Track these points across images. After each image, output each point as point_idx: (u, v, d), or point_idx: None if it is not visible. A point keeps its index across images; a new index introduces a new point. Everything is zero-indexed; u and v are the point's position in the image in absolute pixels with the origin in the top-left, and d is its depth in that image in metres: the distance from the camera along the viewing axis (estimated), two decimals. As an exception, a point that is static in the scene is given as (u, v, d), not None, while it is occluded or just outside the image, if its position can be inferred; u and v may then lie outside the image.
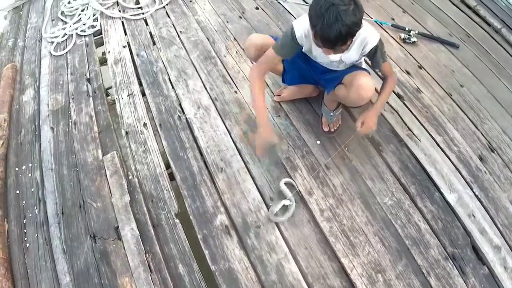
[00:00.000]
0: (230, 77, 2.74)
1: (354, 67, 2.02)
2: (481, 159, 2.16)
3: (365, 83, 1.89)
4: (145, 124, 2.58)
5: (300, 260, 1.89)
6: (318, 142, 2.28)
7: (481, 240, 1.87)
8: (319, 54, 1.96)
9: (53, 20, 3.70)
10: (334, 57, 1.91)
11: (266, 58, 1.99)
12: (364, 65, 2.13)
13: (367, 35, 1.79)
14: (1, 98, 3.02)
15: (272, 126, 2.09)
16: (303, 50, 2.01)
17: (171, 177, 2.32)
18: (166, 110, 2.64)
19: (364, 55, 1.93)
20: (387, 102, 2.41)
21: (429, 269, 1.81)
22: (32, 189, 2.46)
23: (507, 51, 2.73)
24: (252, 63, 2.43)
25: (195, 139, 2.43)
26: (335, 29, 1.50)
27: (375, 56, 1.88)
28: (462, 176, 2.09)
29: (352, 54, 1.88)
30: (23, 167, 2.60)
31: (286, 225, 2.00)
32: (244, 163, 2.26)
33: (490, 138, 2.25)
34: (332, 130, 2.28)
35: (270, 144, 2.01)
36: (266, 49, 1.98)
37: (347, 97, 1.99)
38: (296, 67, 2.17)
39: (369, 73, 2.02)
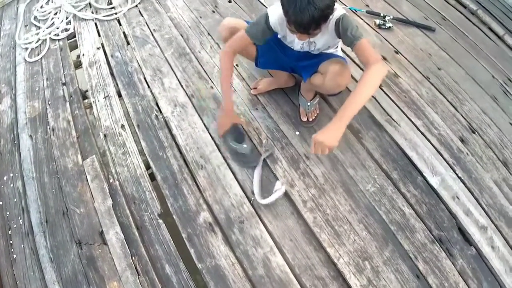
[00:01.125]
0: (206, 72, 2.71)
1: (330, 55, 2.00)
2: (462, 140, 2.17)
3: (341, 70, 1.88)
4: (123, 126, 2.55)
5: (286, 252, 1.89)
6: (297, 133, 2.27)
7: (466, 221, 1.88)
8: (293, 40, 1.95)
9: (26, 26, 3.62)
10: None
11: (237, 39, 1.96)
12: (340, 53, 2.11)
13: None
14: (-22, 109, 2.96)
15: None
16: (278, 36, 1.99)
17: (152, 177, 2.30)
18: (143, 110, 2.60)
19: (332, 33, 1.81)
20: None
21: (416, 253, 1.81)
22: (15, 199, 2.42)
23: (483, 32, 2.74)
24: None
25: (173, 138, 2.41)
26: (307, 13, 1.49)
27: (340, 30, 1.74)
28: (444, 159, 2.10)
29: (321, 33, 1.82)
30: (5, 178, 2.56)
31: (270, 218, 1.99)
32: (224, 158, 2.24)
33: (470, 119, 2.25)
34: (311, 119, 2.27)
35: (232, 124, 2.06)
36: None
37: (323, 85, 1.97)
38: (271, 52, 2.14)
39: (346, 62, 2.02)
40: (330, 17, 1.63)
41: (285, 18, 1.60)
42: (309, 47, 1.97)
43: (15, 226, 2.31)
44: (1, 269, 2.17)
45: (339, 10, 1.73)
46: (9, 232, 2.30)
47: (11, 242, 2.25)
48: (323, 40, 1.89)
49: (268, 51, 2.14)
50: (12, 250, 2.22)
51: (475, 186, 2.00)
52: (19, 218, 2.33)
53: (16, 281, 2.09)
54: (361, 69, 2.50)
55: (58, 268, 2.05)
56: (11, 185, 2.50)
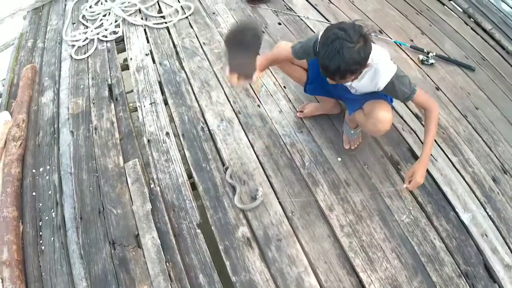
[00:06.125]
0: (253, 91, 2.77)
1: (376, 93, 1.98)
2: (494, 180, 2.21)
3: (384, 117, 1.90)
4: (167, 133, 2.61)
5: (320, 273, 1.92)
6: (339, 159, 2.32)
7: (493, 259, 1.91)
8: None
9: (73, 24, 3.72)
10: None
11: (281, 49, 2.04)
12: None
13: (380, 69, 1.76)
14: (20, 99, 3.03)
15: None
16: None
17: (193, 187, 2.34)
18: (189, 121, 2.66)
19: (381, 91, 1.86)
20: (406, 123, 2.46)
21: (443, 286, 1.84)
22: (50, 192, 2.46)
23: (521, 75, 2.79)
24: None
25: (218, 151, 2.46)
26: (334, 63, 1.53)
27: (397, 92, 1.82)
28: (476, 197, 2.14)
29: (365, 84, 1.86)
30: (41, 169, 2.60)
31: (307, 239, 2.04)
32: (267, 176, 2.29)
33: (503, 160, 2.30)
34: (353, 147, 2.31)
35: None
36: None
37: (365, 126, 2.03)
38: (320, 80, 2.17)
39: (392, 101, 2.07)
40: (366, 69, 1.69)
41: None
42: (350, 90, 2.02)
43: (46, 218, 2.34)
44: (27, 259, 2.18)
45: (386, 69, 1.76)
46: (40, 224, 2.32)
47: (40, 233, 2.28)
48: (363, 89, 1.94)
49: (318, 78, 2.19)
50: (41, 241, 2.25)
51: (503, 225, 2.03)
52: (52, 211, 2.36)
53: (42, 273, 2.12)
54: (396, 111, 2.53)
55: (88, 266, 2.07)
56: (47, 177, 2.55)
